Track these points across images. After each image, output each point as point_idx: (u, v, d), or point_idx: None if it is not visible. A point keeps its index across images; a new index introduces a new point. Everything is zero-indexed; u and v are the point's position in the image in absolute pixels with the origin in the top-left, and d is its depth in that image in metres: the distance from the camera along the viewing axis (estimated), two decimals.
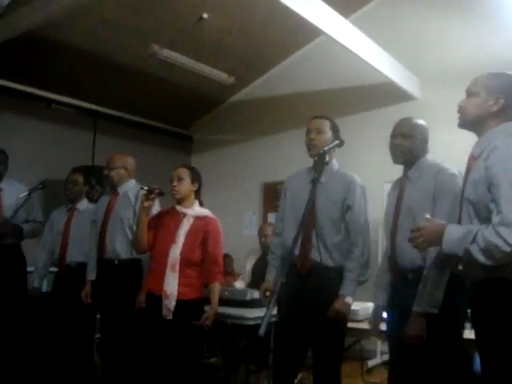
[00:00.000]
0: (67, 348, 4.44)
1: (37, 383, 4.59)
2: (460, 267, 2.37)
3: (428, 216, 2.36)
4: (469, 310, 2.71)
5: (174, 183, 3.62)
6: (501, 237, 2.02)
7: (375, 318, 3.25)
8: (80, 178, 4.68)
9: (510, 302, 2.13)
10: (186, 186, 3.64)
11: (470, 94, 2.40)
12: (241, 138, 7.97)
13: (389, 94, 6.30)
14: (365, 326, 3.68)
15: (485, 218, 2.18)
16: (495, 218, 2.08)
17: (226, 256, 5.54)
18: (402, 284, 3.00)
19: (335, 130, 3.36)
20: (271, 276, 3.48)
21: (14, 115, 6.34)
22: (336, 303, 3.17)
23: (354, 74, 6.47)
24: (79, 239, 4.51)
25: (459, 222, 2.35)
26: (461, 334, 2.96)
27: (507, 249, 2.01)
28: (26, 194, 4.38)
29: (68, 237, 4.56)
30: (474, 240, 2.10)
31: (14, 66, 5.93)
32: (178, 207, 3.67)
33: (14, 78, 6.16)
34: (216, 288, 3.63)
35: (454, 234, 2.19)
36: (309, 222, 3.23)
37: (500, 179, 2.10)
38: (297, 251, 3.22)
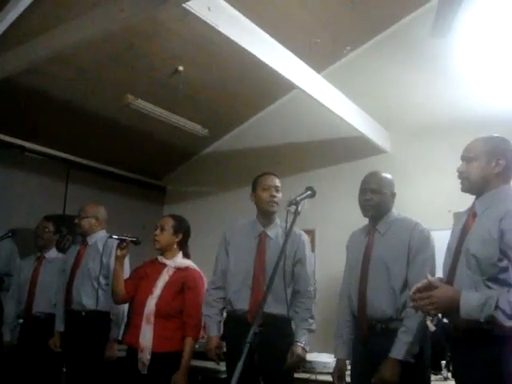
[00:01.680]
0: None
1: None
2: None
3: (430, 277, 2.39)
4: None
5: (156, 232, 3.59)
6: None
7: (340, 371, 3.23)
8: (51, 226, 4.64)
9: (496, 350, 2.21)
10: (167, 236, 3.60)
11: (469, 159, 2.54)
12: (214, 190, 7.97)
13: (360, 147, 6.39)
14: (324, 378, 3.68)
15: (489, 275, 2.28)
16: None
17: None
18: (369, 337, 3.00)
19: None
20: (214, 332, 3.45)
21: None
22: (296, 348, 3.21)
23: (327, 128, 6.56)
24: (47, 289, 4.44)
25: (450, 275, 2.41)
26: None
27: None
28: None
29: (35, 286, 4.49)
30: (497, 306, 2.16)
31: None
32: (160, 258, 3.63)
33: None
34: (188, 344, 3.46)
35: (472, 302, 2.23)
36: (259, 276, 3.27)
37: None
38: (246, 305, 3.25)
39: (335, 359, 3.30)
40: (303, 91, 5.22)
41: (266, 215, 3.31)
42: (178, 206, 8.16)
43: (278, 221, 3.52)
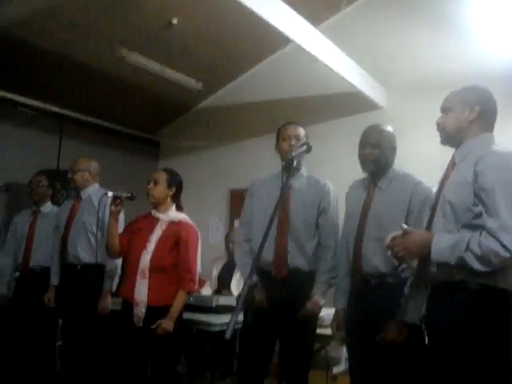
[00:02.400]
0: (28, 354, 4.36)
1: None
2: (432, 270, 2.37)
3: (404, 226, 2.36)
4: None
5: (150, 186, 3.57)
6: (500, 242, 2.06)
7: (337, 322, 3.27)
8: (44, 180, 4.63)
9: (474, 306, 2.17)
10: (161, 189, 3.57)
11: (445, 109, 2.49)
12: (208, 145, 7.96)
13: (356, 103, 6.35)
14: (329, 331, 3.69)
15: (464, 221, 2.22)
16: (491, 223, 2.11)
17: None
18: (364, 289, 3.03)
19: (307, 137, 3.40)
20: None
21: None
22: (308, 303, 3.21)
23: (322, 83, 6.50)
24: (43, 242, 4.45)
25: (429, 226, 2.39)
26: None
27: (506, 254, 2.05)
28: None
29: (32, 240, 4.50)
30: (467, 247, 2.12)
31: None
32: (153, 212, 3.62)
33: None
34: (180, 295, 3.47)
35: (443, 243, 2.20)
36: (283, 228, 3.25)
37: (494, 185, 2.15)
38: (270, 257, 3.23)
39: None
40: (299, 45, 5.15)
41: (291, 161, 3.16)
42: (172, 161, 8.15)
43: (304, 171, 3.47)
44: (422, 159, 5.07)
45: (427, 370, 2.36)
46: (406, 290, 2.64)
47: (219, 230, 7.55)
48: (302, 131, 3.42)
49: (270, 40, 6.31)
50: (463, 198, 2.23)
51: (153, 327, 3.36)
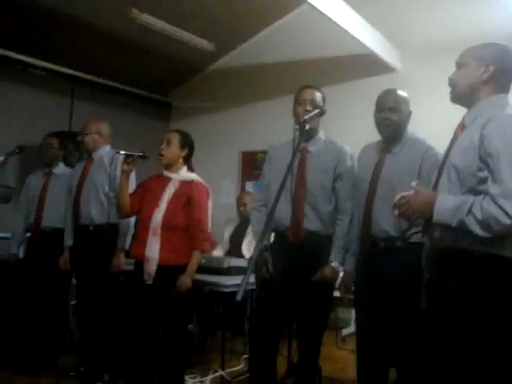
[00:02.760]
0: (43, 313, 4.45)
1: (13, 350, 4.60)
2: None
3: (415, 184, 2.29)
4: None
5: (162, 147, 3.57)
6: (501, 208, 2.01)
7: (346, 284, 3.30)
8: (55, 142, 4.63)
9: (479, 275, 2.13)
10: (173, 150, 3.56)
11: (459, 65, 2.38)
12: (220, 106, 7.93)
13: (370, 65, 6.29)
14: (339, 294, 3.73)
15: (468, 186, 2.16)
16: (495, 189, 2.05)
17: None
18: (373, 253, 3.05)
19: (324, 101, 3.37)
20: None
21: None
22: (325, 269, 3.21)
23: (336, 45, 6.42)
24: (55, 203, 4.48)
25: (435, 188, 2.33)
26: None
27: (507, 221, 2.00)
28: (2, 158, 4.30)
29: (44, 201, 4.53)
30: (469, 211, 2.07)
31: None
32: (165, 172, 3.62)
33: None
34: (195, 256, 3.49)
35: (447, 204, 2.15)
36: (300, 192, 3.25)
37: (500, 150, 2.07)
38: (287, 221, 3.25)
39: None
40: (313, 6, 5.08)
41: (303, 124, 3.10)
42: (183, 122, 8.15)
43: (322, 135, 3.42)
44: (437, 122, 5.02)
45: (427, 333, 2.36)
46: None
47: (231, 191, 7.58)
48: (318, 95, 3.35)
49: (282, 1, 6.23)
50: (468, 162, 2.16)
51: (173, 290, 3.38)
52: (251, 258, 2.13)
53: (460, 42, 5.26)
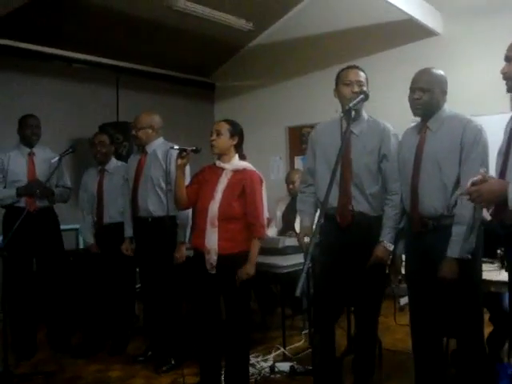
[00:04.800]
0: (111, 302, 4.67)
1: (86, 337, 4.84)
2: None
3: (482, 171, 2.31)
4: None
5: (213, 137, 3.63)
6: None
7: (395, 267, 3.35)
8: (106, 139, 4.73)
9: None
10: (224, 140, 3.61)
11: (508, 58, 2.39)
12: (262, 83, 7.94)
13: (410, 30, 6.19)
14: None
15: None
16: None
17: None
18: (422, 232, 3.06)
19: (367, 81, 3.37)
20: (306, 222, 3.55)
21: (36, 77, 6.36)
22: (377, 250, 3.25)
23: (373, 13, 6.35)
24: (113, 200, 4.62)
25: (502, 172, 2.36)
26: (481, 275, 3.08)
27: None
28: (57, 159, 4.40)
29: (102, 199, 4.67)
30: None
31: (32, 28, 5.92)
32: (218, 162, 3.67)
33: (34, 40, 6.16)
34: (255, 244, 3.56)
35: None
36: (346, 174, 3.28)
37: None
38: (335, 203, 3.29)
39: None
40: None
41: (349, 111, 3.11)
42: (227, 102, 8.22)
43: (365, 115, 3.41)
44: (483, 86, 4.94)
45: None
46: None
47: (280, 168, 7.63)
48: (363, 76, 3.35)
49: None
50: None
51: (239, 278, 3.47)
52: (307, 252, 2.17)
53: (503, 3, 5.22)
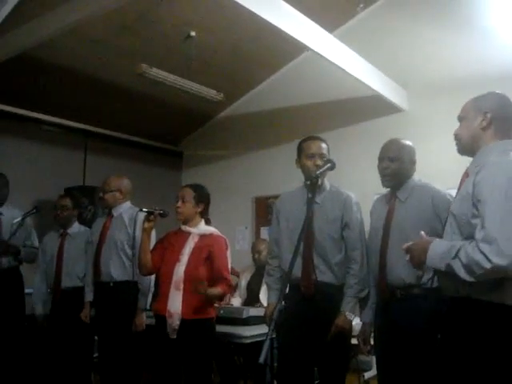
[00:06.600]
0: (66, 370, 4.46)
1: None
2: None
3: (423, 233, 2.34)
4: None
5: (178, 204, 3.61)
6: (482, 253, 2.00)
7: (364, 334, 3.30)
8: (69, 203, 4.68)
9: (480, 323, 2.12)
10: (189, 207, 3.61)
11: (460, 119, 2.43)
12: (230, 153, 8.02)
13: (376, 106, 6.36)
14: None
15: (466, 234, 2.18)
16: (478, 234, 2.06)
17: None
18: (390, 301, 3.05)
19: (329, 151, 3.40)
20: (274, 299, 3.48)
21: (5, 137, 6.33)
22: (338, 320, 3.20)
23: (341, 88, 6.53)
24: (73, 264, 4.54)
25: (439, 237, 2.36)
26: None
27: (487, 265, 1.99)
28: (19, 219, 4.38)
29: (62, 263, 4.58)
30: (456, 255, 2.08)
31: (3, 89, 5.93)
32: (183, 227, 3.66)
33: (4, 101, 6.18)
34: (218, 289, 3.49)
35: (438, 249, 2.18)
36: (309, 243, 3.27)
37: (487, 196, 2.09)
38: (298, 273, 3.26)
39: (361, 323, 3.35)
40: (316, 52, 5.19)
41: (316, 179, 3.10)
42: (195, 170, 8.25)
43: (327, 184, 3.42)
44: (446, 161, 5.03)
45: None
46: None
47: (245, 238, 7.61)
48: (325, 147, 3.37)
49: (286, 48, 6.37)
50: (464, 210, 2.19)
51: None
52: (271, 318, 2.14)
53: (467, 80, 5.45)
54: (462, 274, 2.07)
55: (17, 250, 4.61)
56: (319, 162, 3.27)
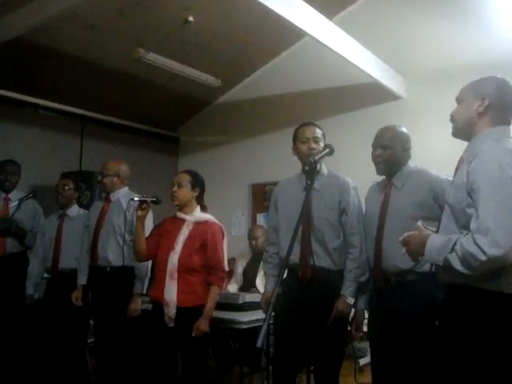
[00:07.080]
0: (61, 352, 4.46)
1: None
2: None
3: (420, 223, 2.35)
4: None
5: (174, 189, 3.61)
6: (476, 245, 1.99)
7: (357, 321, 3.31)
8: (71, 184, 4.67)
9: (478, 312, 2.12)
10: (185, 192, 3.60)
11: (458, 101, 2.40)
12: (228, 140, 8.01)
13: (374, 93, 6.35)
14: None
15: (462, 223, 2.17)
16: (473, 224, 2.05)
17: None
18: (385, 288, 3.06)
19: (324, 137, 3.40)
20: (271, 286, 3.50)
21: (1, 122, 6.30)
22: (338, 303, 3.21)
23: (339, 75, 6.51)
24: (71, 246, 4.52)
25: (438, 228, 2.36)
26: None
27: (483, 257, 1.98)
28: (16, 203, 4.37)
29: (60, 244, 4.57)
30: (452, 249, 2.08)
31: (0, 73, 5.91)
32: (179, 213, 3.65)
33: (1, 85, 6.14)
34: (213, 293, 3.52)
35: (435, 243, 2.17)
36: (307, 229, 3.27)
37: (481, 185, 2.07)
38: (296, 259, 3.26)
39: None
40: (314, 38, 5.16)
41: (307, 170, 3.11)
42: (192, 157, 8.24)
43: (325, 170, 3.43)
44: (444, 148, 5.03)
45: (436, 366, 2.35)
46: None
47: (242, 224, 7.61)
48: (319, 132, 3.38)
49: (285, 34, 6.34)
50: (459, 199, 2.17)
51: (193, 334, 3.39)
52: (269, 302, 2.14)
53: (465, 68, 5.43)
54: (459, 267, 2.06)
55: (23, 232, 4.62)
56: (313, 146, 3.29)
